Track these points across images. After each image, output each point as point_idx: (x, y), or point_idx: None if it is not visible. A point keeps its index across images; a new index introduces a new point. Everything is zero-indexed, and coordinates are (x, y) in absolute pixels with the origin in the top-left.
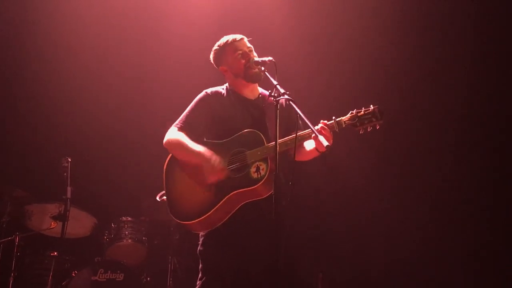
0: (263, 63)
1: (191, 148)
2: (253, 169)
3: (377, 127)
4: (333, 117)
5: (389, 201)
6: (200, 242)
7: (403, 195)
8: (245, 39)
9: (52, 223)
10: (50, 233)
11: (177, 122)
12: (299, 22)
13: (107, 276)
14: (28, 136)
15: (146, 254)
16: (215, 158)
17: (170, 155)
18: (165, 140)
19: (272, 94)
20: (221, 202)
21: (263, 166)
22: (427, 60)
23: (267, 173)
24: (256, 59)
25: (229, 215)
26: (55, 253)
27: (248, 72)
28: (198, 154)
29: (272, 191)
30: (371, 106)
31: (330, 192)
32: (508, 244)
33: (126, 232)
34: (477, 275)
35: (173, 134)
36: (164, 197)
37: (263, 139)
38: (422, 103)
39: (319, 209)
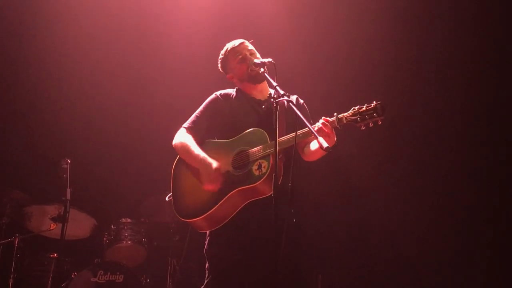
0: (262, 64)
1: (193, 153)
2: (255, 167)
3: (379, 123)
4: (335, 113)
5: (389, 201)
6: (206, 242)
7: (403, 195)
8: (246, 43)
9: (52, 225)
10: (50, 234)
11: (186, 123)
12: (300, 23)
13: (106, 277)
14: (27, 137)
15: (145, 256)
16: (214, 167)
17: (177, 163)
18: (173, 141)
19: (272, 95)
20: (223, 200)
21: (264, 163)
22: (430, 58)
23: (269, 170)
24: (256, 60)
25: (235, 212)
26: (55, 255)
27: (251, 74)
28: (198, 160)
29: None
30: (374, 102)
31: (330, 192)
32: (509, 244)
33: (126, 234)
34: (478, 275)
35: (181, 136)
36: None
37: (266, 137)
38: (425, 101)
39: (318, 210)
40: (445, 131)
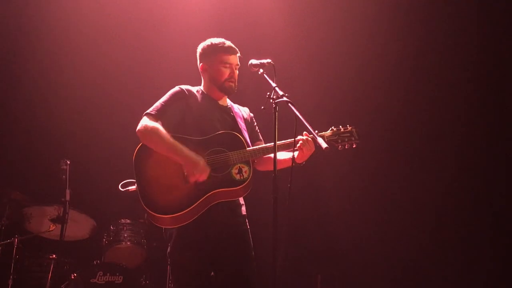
0: (261, 65)
1: (174, 146)
2: (235, 170)
3: (354, 146)
4: (315, 131)
5: (388, 202)
6: (170, 244)
7: (403, 195)
8: (238, 55)
9: (51, 226)
10: (49, 235)
11: (150, 110)
12: (299, 22)
13: (106, 278)
14: (27, 138)
15: (145, 257)
16: (202, 163)
17: (141, 143)
18: (139, 127)
19: (271, 96)
20: (201, 199)
21: (245, 168)
22: (431, 58)
23: (250, 175)
24: (255, 61)
25: (200, 213)
26: (54, 256)
27: (225, 84)
28: (183, 155)
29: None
30: (348, 126)
31: (329, 192)
32: (509, 244)
33: (125, 235)
34: (478, 276)
35: (149, 123)
36: (131, 188)
37: (243, 142)
38: (425, 101)
39: (317, 210)
40: (446, 131)
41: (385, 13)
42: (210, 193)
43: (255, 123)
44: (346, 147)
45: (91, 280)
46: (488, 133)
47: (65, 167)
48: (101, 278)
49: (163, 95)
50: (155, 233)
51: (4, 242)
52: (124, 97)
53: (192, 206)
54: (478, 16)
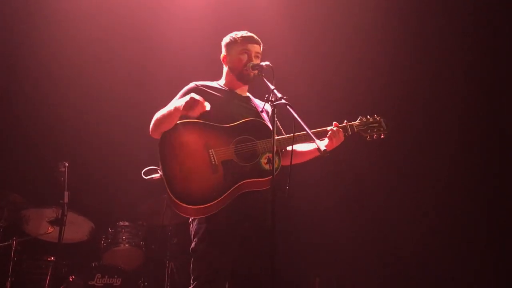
0: (259, 67)
1: (166, 110)
2: (264, 160)
3: (382, 137)
4: (345, 121)
5: (388, 204)
6: (195, 240)
7: (401, 198)
8: (260, 46)
9: (49, 228)
10: (47, 238)
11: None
12: (297, 23)
13: (104, 281)
14: (25, 140)
15: (143, 259)
16: (188, 96)
17: (165, 135)
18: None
19: (270, 98)
20: (231, 189)
21: (275, 158)
22: (429, 58)
23: (280, 165)
24: (253, 63)
25: (226, 203)
26: (52, 258)
27: (242, 72)
28: (174, 108)
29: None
30: (376, 116)
31: (328, 195)
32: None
33: (124, 237)
34: (478, 277)
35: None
36: (155, 175)
37: (270, 130)
38: (424, 101)
39: (316, 213)
40: (443, 128)
41: (384, 12)
42: (239, 183)
43: (293, 113)
44: (374, 138)
45: (89, 282)
46: (486, 132)
47: (63, 169)
48: (99, 281)
49: (162, 98)
50: (154, 235)
51: (3, 244)
52: (124, 99)
53: (221, 198)
54: (475, 16)
